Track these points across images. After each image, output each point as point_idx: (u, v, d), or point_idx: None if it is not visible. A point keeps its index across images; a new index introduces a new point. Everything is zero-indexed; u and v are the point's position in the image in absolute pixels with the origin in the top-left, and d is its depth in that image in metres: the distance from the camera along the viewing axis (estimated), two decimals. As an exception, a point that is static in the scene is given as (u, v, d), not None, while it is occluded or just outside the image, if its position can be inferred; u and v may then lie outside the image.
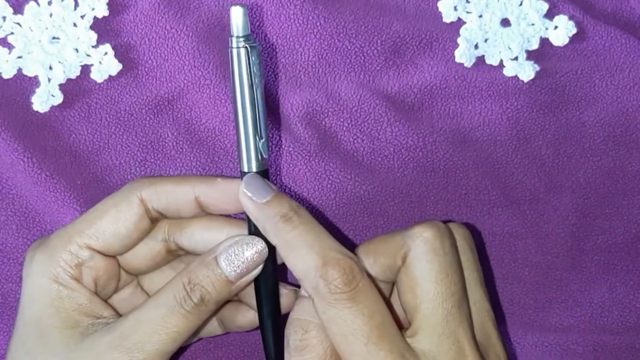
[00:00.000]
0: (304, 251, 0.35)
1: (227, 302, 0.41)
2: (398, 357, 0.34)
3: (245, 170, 0.38)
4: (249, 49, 0.36)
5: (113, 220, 0.39)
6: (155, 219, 0.40)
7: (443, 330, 0.35)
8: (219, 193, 0.39)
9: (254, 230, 0.38)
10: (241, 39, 0.36)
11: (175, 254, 0.41)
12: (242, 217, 0.39)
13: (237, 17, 0.36)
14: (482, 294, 0.38)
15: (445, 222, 0.38)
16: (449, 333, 0.35)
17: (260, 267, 0.38)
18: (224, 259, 0.37)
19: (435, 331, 0.35)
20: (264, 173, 0.38)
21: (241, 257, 0.37)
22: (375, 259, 0.37)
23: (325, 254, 0.35)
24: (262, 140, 0.38)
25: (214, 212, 0.40)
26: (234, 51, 0.36)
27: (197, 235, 0.40)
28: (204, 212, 0.40)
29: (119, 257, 0.40)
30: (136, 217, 0.39)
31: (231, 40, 0.37)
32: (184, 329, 0.37)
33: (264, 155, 0.38)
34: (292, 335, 0.36)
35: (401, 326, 0.37)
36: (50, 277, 0.38)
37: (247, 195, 0.37)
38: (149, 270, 0.42)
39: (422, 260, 0.35)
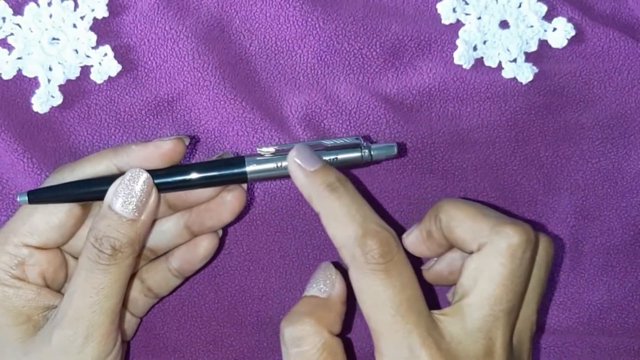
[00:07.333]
0: (346, 220, 0.36)
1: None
2: (424, 331, 0.34)
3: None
4: None
5: (44, 213, 0.39)
6: (88, 203, 0.40)
7: (480, 326, 0.35)
8: (138, 158, 0.39)
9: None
10: None
11: None
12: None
13: None
14: (534, 311, 0.38)
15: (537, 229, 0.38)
16: (486, 330, 0.35)
17: (155, 194, 0.38)
18: (116, 204, 0.38)
19: (473, 323, 0.35)
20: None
21: (132, 194, 0.38)
22: (455, 225, 0.37)
23: (366, 226, 0.35)
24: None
25: None
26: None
27: None
28: None
29: (64, 246, 0.41)
30: (66, 205, 0.39)
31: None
32: (111, 284, 0.37)
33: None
34: (289, 327, 0.36)
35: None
36: None
37: (297, 162, 0.38)
38: None
39: (496, 261, 0.35)
